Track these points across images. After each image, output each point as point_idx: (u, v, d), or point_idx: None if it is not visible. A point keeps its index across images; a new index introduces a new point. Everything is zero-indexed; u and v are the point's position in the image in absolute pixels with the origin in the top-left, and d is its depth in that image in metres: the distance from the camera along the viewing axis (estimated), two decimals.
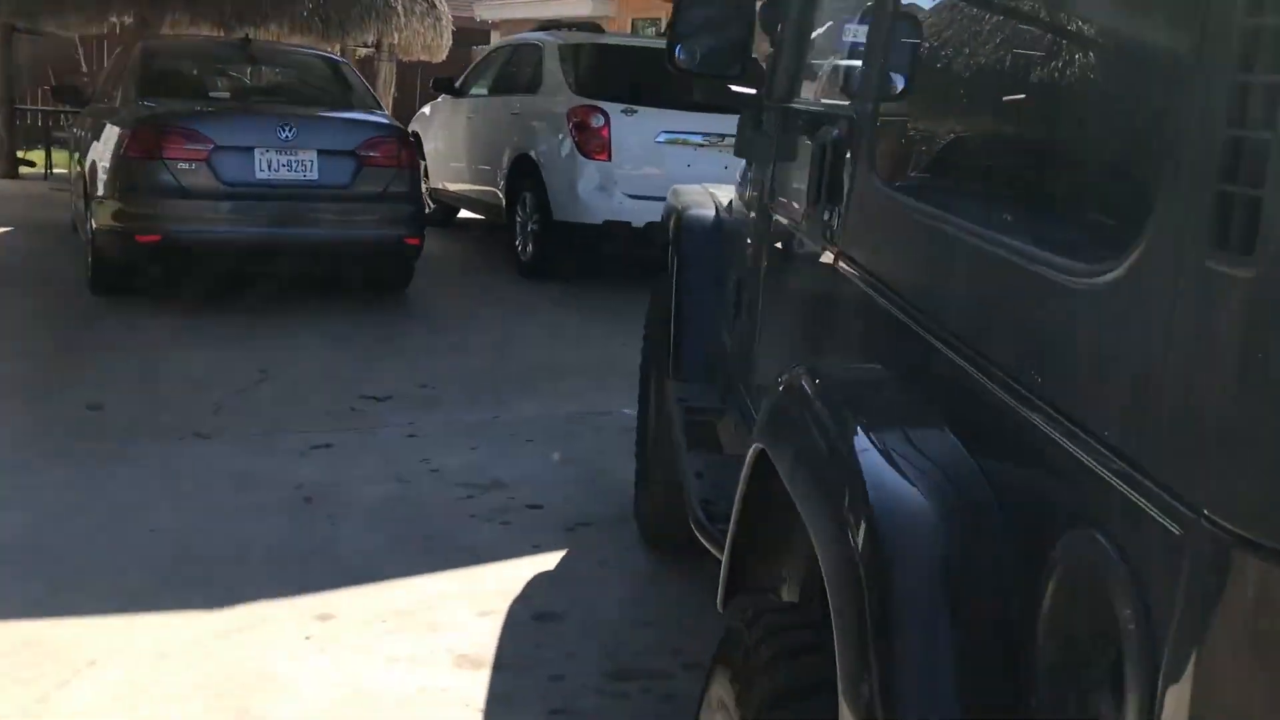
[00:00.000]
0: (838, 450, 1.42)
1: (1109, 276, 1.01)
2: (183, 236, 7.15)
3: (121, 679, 3.06)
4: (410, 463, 4.85)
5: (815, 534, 1.38)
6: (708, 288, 3.50)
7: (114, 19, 13.53)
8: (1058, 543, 1.04)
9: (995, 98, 1.55)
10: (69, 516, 4.09)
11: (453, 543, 4.07)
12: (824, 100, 2.47)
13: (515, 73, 10.05)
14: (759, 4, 2.76)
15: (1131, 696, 0.88)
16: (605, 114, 8.56)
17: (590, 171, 8.61)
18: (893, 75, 1.86)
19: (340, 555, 3.90)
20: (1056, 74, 1.39)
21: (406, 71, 15.62)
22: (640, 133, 8.62)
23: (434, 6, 13.71)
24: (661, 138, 8.68)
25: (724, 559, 1.94)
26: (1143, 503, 0.90)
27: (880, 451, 1.37)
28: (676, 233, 3.66)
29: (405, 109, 13.57)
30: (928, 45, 1.87)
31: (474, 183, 10.37)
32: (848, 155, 1.96)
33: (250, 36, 9.91)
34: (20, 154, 14.67)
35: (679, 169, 8.64)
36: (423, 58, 14.36)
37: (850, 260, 1.90)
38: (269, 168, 7.22)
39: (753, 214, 2.91)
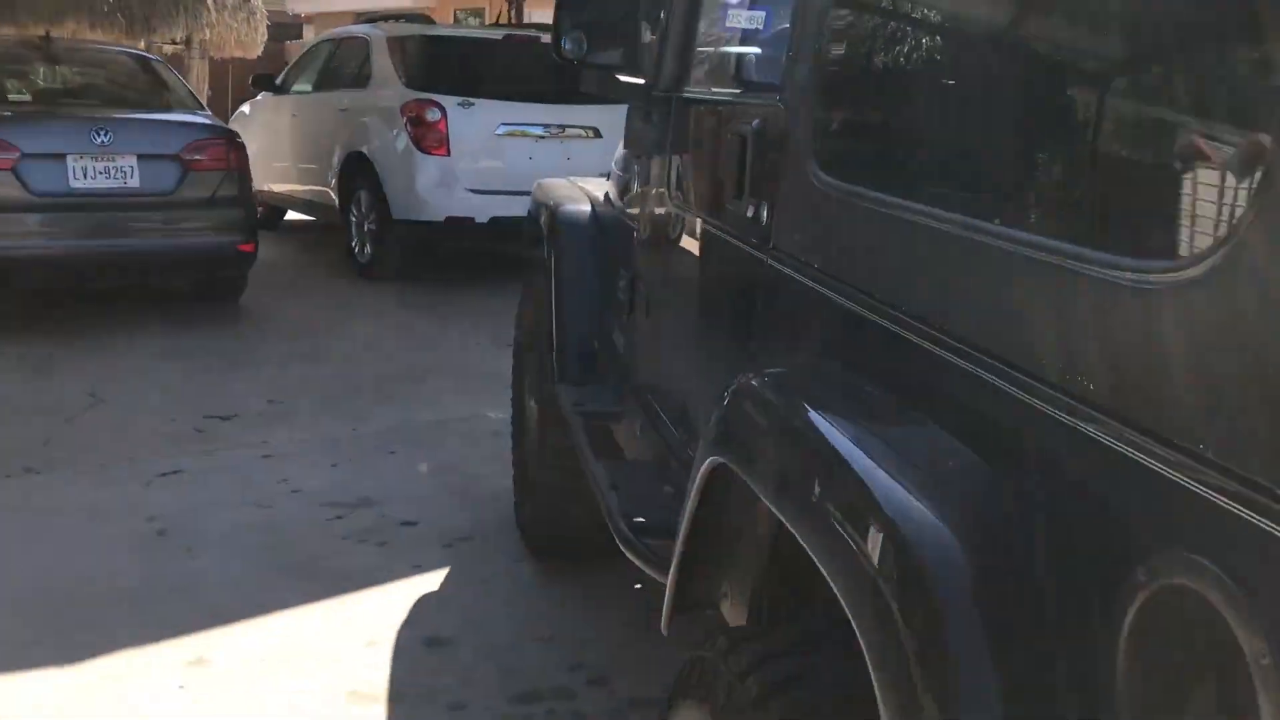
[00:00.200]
0: (840, 464, 1.31)
1: (1189, 274, 0.92)
2: None
3: None
4: (268, 485, 4.56)
5: (825, 556, 1.26)
6: (591, 286, 3.36)
7: None
8: (1129, 561, 0.95)
9: (982, 75, 1.46)
10: None
11: (326, 569, 3.82)
12: (736, 89, 2.36)
13: (341, 68, 9.67)
14: None
15: None
16: (441, 108, 8.31)
17: (429, 167, 8.35)
18: (833, 58, 1.75)
19: (205, 592, 3.62)
20: (1072, 42, 1.30)
21: (218, 69, 14.91)
22: (479, 126, 8.41)
23: (246, 0, 13.10)
24: (501, 130, 8.49)
25: (670, 579, 1.81)
26: (1264, 522, 0.82)
27: (888, 462, 1.27)
28: (552, 230, 3.51)
29: (219, 109, 12.93)
30: (873, 20, 1.78)
31: (303, 183, 9.94)
32: (778, 147, 1.86)
33: (49, 34, 9.23)
34: None
35: (520, 161, 8.50)
36: (236, 54, 13.72)
37: (789, 257, 1.80)
38: (84, 176, 6.72)
39: (645, 209, 2.79)
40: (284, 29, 18.84)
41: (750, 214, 1.96)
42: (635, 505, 2.29)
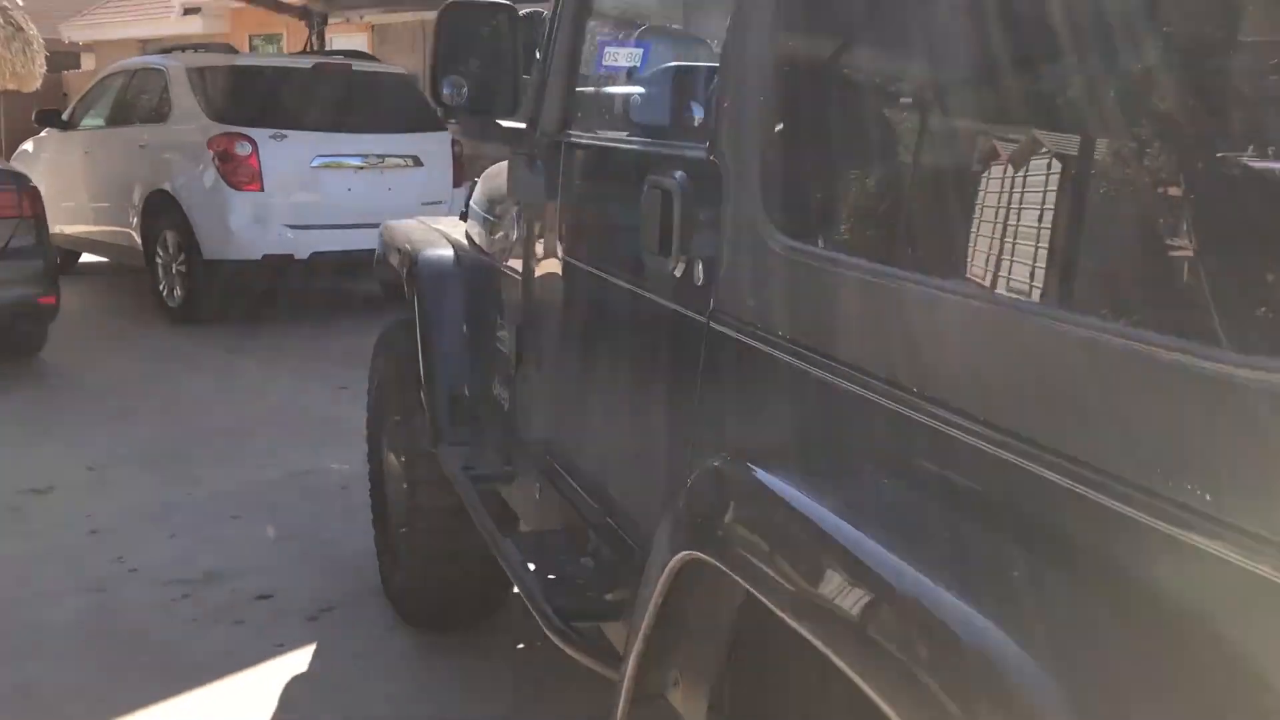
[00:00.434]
0: (872, 571, 1.18)
1: None
2: None
3: None
4: (101, 564, 4.16)
5: (866, 670, 1.13)
6: (463, 338, 3.17)
7: None
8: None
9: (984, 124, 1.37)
10: None
11: (180, 657, 3.49)
12: (641, 135, 2.22)
13: (136, 101, 9.11)
14: (523, 29, 2.46)
15: None
16: (252, 141, 7.92)
17: (241, 204, 7.95)
18: (783, 103, 1.63)
19: (45, 699, 3.24)
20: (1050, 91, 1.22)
21: None
22: (293, 159, 8.06)
23: (21, 29, 12.17)
24: (317, 162, 8.17)
25: (628, 675, 1.66)
26: None
27: (927, 566, 1.15)
28: (414, 278, 3.29)
29: None
30: (827, 61, 1.67)
31: (99, 223, 9.31)
32: (711, 203, 1.73)
33: None
34: None
35: (339, 194, 8.23)
36: (11, 86, 12.76)
37: (739, 323, 1.67)
38: None
39: (531, 259, 2.62)
40: (61, 58, 17.71)
41: (679, 273, 1.83)
42: (558, 586, 2.12)
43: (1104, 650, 1.00)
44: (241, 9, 14.61)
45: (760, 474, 1.47)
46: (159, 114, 8.63)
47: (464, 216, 3.77)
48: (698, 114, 2.23)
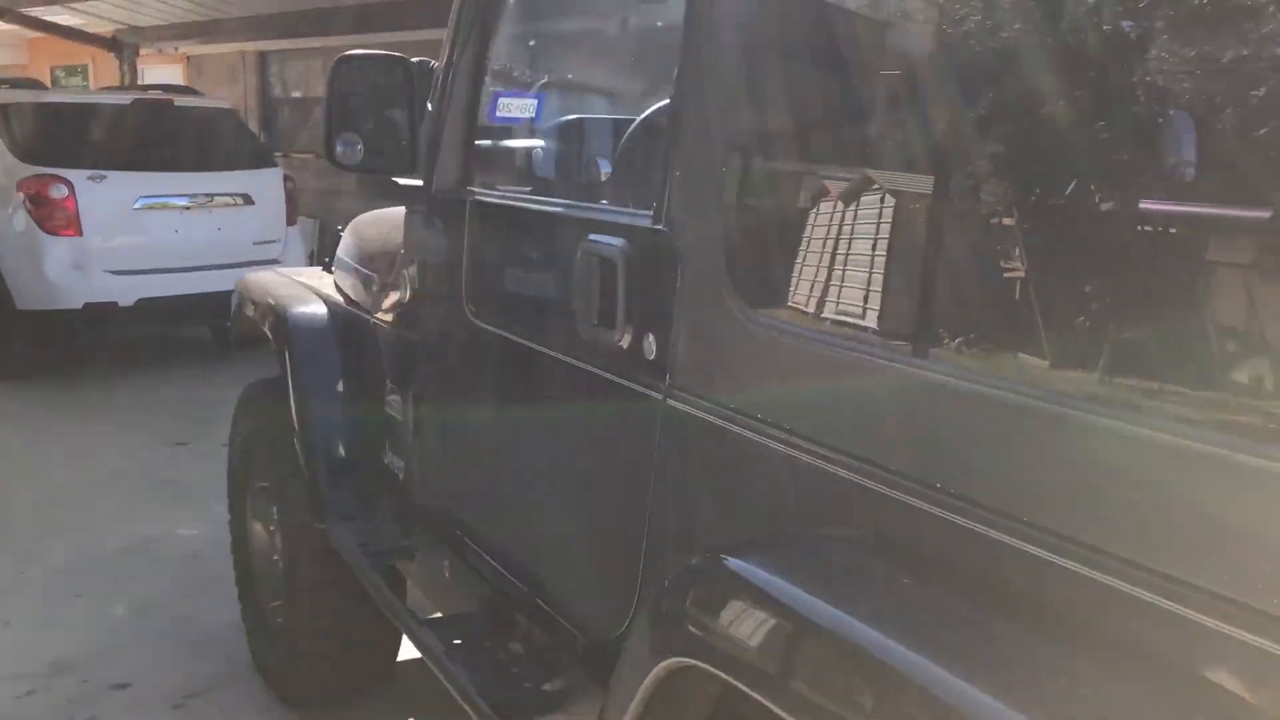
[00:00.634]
0: (886, 657, 1.13)
1: None
2: None
3: None
4: None
5: None
6: (344, 402, 2.97)
7: None
8: None
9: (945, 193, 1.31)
10: None
11: None
12: (576, 198, 2.10)
13: None
14: (421, 82, 2.32)
15: None
16: (68, 183, 7.43)
17: (58, 250, 7.44)
18: (740, 176, 1.54)
19: None
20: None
21: None
22: (114, 200, 7.60)
23: None
24: (140, 204, 7.74)
25: None
26: None
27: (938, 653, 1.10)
28: (286, 337, 3.07)
29: None
30: (789, 121, 1.58)
31: None
32: (663, 275, 1.63)
33: None
34: None
35: (166, 236, 7.83)
36: None
37: (702, 401, 1.57)
38: None
39: (432, 321, 2.46)
40: None
41: (626, 345, 1.72)
42: (491, 679, 1.97)
43: None
44: (41, 38, 13.78)
45: (745, 570, 1.38)
46: None
47: (328, 267, 3.58)
48: (605, 169, 2.14)
